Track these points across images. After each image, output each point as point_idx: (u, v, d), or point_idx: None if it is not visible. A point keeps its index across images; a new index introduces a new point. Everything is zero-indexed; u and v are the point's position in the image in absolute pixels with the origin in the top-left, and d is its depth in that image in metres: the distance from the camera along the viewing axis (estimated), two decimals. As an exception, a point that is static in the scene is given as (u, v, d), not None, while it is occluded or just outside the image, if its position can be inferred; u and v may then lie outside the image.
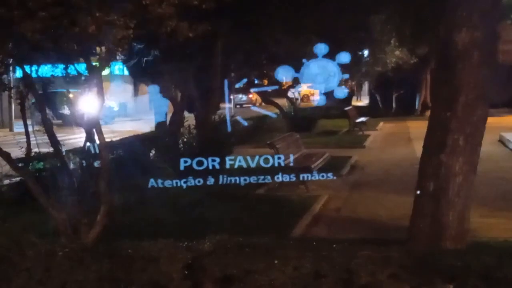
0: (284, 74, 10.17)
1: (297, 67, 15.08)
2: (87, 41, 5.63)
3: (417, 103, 34.02)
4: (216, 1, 5.68)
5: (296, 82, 31.36)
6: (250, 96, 45.64)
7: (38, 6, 5.20)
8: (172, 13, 5.37)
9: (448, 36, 6.49)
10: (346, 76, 11.14)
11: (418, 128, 19.45)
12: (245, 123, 12.91)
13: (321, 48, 9.07)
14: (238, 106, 43.90)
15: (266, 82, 30.52)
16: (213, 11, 6.17)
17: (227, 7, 7.40)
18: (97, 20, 5.24)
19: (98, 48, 6.92)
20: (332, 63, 9.02)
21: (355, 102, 38.97)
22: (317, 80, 9.27)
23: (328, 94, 24.52)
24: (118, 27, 5.32)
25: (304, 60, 9.16)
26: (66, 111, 9.20)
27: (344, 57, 9.09)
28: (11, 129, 28.49)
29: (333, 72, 9.06)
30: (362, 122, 25.41)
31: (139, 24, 5.67)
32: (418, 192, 6.78)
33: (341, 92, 9.62)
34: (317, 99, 12.06)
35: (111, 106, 33.36)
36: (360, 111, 29.08)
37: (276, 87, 25.31)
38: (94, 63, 7.06)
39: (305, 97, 44.23)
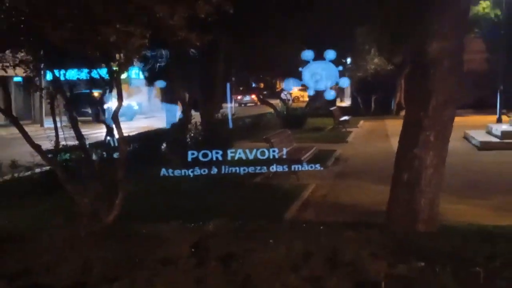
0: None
1: (289, 72, 15.01)
2: (108, 49, 5.60)
3: (392, 104, 33.99)
4: (219, 14, 5.63)
5: (288, 84, 31.38)
6: (253, 96, 45.45)
7: (66, 18, 5.17)
8: (182, 25, 5.34)
9: (421, 46, 6.47)
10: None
11: (394, 126, 19.46)
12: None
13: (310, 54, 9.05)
14: (242, 105, 43.91)
15: (262, 85, 30.53)
16: (217, 23, 6.14)
17: (229, 20, 7.36)
18: (117, 30, 5.22)
19: (117, 55, 6.90)
20: (330, 66, 8.99)
21: (339, 103, 38.86)
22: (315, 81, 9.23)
23: (317, 96, 24.52)
24: (135, 37, 5.30)
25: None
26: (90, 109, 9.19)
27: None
28: (41, 125, 28.45)
29: (328, 75, 9.03)
30: (345, 121, 25.40)
31: (153, 33, 5.64)
32: (395, 181, 6.78)
33: (329, 95, 9.60)
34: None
35: (132, 106, 33.24)
36: (343, 111, 29.05)
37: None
38: (114, 68, 7.05)
39: (296, 98, 44.24)
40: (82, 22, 5.18)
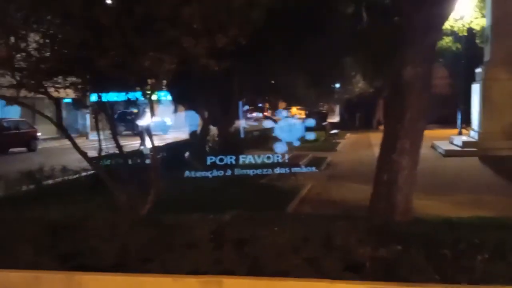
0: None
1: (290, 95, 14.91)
2: (143, 73, 5.61)
3: (373, 120, 33.97)
4: (234, 44, 5.64)
5: (289, 105, 31.42)
6: (266, 113, 45.15)
7: (110, 48, 5.19)
8: (203, 53, 5.36)
9: (398, 70, 6.48)
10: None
11: (374, 137, 19.43)
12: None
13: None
14: (252, 120, 43.54)
15: (267, 105, 30.57)
16: (232, 52, 6.15)
17: (241, 51, 7.38)
18: (151, 57, 5.25)
19: (149, 80, 6.92)
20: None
21: (330, 119, 38.83)
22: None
23: (311, 114, 24.34)
24: (165, 63, 5.32)
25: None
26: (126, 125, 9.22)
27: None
28: (87, 138, 28.52)
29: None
30: (334, 133, 25.41)
31: (180, 60, 5.65)
32: (376, 181, 6.75)
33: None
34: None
35: (166, 122, 32.48)
36: (333, 125, 29.04)
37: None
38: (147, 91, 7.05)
39: (295, 116, 44.22)
40: (123, 51, 5.20)
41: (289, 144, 14.17)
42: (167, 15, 5.04)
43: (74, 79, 7.16)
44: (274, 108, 28.46)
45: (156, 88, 6.90)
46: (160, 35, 5.10)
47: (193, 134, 15.13)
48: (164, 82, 9.29)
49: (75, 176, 10.84)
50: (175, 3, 4.97)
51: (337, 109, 42.87)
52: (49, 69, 6.14)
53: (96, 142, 8.73)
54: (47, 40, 5.98)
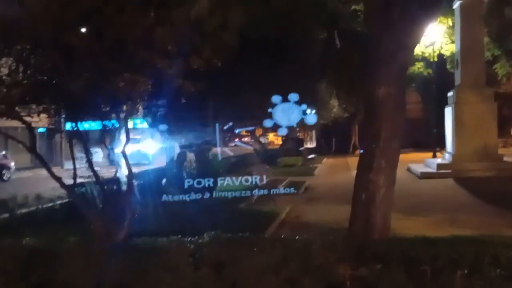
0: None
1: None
2: (117, 95, 5.54)
3: (349, 145, 34.27)
4: (209, 67, 5.64)
5: (265, 131, 31.51)
6: (244, 139, 44.99)
7: (82, 71, 5.13)
8: (178, 74, 5.33)
9: (372, 91, 6.54)
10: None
11: (350, 161, 19.57)
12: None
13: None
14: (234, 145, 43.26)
15: (244, 132, 30.58)
16: (207, 75, 6.15)
17: (216, 73, 7.39)
18: (125, 79, 5.19)
19: (124, 106, 6.83)
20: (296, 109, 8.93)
21: (306, 145, 39.04)
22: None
23: (287, 140, 24.48)
24: (140, 83, 5.27)
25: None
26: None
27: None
28: (62, 167, 27.98)
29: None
30: (311, 158, 25.56)
31: (155, 83, 5.62)
32: (354, 200, 6.73)
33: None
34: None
35: (146, 153, 31.03)
36: (310, 151, 29.22)
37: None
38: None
39: (271, 142, 44.32)
40: (96, 74, 5.14)
41: (266, 169, 14.18)
42: (139, 37, 5.02)
43: (47, 105, 7.03)
44: (252, 135, 28.53)
45: (131, 113, 6.80)
46: (133, 57, 5.07)
47: (170, 160, 15.00)
48: (140, 108, 9.20)
49: (49, 205, 10.57)
50: (148, 25, 4.95)
51: (313, 134, 43.26)
52: (21, 94, 6.01)
53: (71, 171, 8.55)
54: (19, 65, 5.87)
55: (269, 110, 8.67)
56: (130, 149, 7.19)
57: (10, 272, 5.20)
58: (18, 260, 5.42)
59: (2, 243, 6.11)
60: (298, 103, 13.20)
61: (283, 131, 9.33)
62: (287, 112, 8.79)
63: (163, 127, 15.02)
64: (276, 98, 8.41)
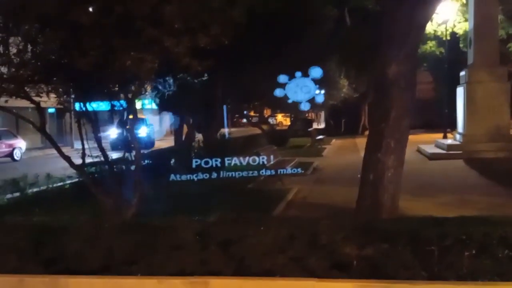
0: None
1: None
2: (125, 72, 5.55)
3: (359, 126, 34.12)
4: (216, 44, 5.62)
5: (274, 112, 31.45)
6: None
7: (91, 47, 5.14)
8: (186, 52, 5.32)
9: (382, 69, 6.52)
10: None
11: (360, 142, 19.49)
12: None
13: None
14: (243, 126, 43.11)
15: (252, 112, 30.54)
16: (215, 53, 6.13)
17: (224, 53, 7.37)
18: (132, 56, 5.20)
19: (132, 86, 6.85)
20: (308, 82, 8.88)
21: (315, 126, 38.93)
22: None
23: (296, 121, 24.43)
24: (147, 62, 5.28)
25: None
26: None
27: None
28: (72, 147, 28.21)
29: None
30: (320, 139, 25.48)
31: (163, 62, 5.62)
32: (362, 181, 6.76)
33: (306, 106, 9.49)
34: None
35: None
36: (319, 131, 29.17)
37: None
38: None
39: (280, 123, 44.27)
40: (103, 50, 5.15)
41: (274, 149, 14.19)
42: (147, 14, 5.01)
43: (56, 84, 7.07)
44: (261, 115, 28.50)
45: (138, 91, 6.83)
46: (141, 34, 5.06)
47: (178, 140, 15.08)
48: (148, 87, 9.22)
49: (59, 184, 10.71)
50: (155, 2, 4.93)
51: (322, 114, 43.15)
52: (29, 73, 6.05)
53: (80, 151, 8.62)
54: (27, 44, 5.90)
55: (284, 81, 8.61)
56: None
57: (22, 249, 5.29)
58: (30, 237, 5.51)
59: (14, 221, 6.23)
60: (314, 80, 13.10)
61: (306, 106, 9.29)
62: (301, 88, 8.74)
63: (170, 108, 15.10)
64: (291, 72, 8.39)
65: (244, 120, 33.98)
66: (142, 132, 21.55)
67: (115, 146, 17.72)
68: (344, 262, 4.70)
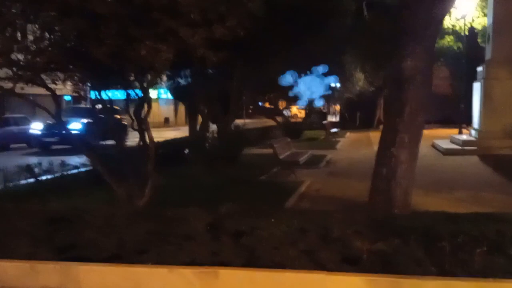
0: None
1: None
2: (140, 63, 5.55)
3: (374, 119, 33.88)
4: (232, 36, 5.59)
5: (288, 104, 31.37)
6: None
7: (107, 37, 5.15)
8: (201, 43, 5.31)
9: (399, 64, 6.44)
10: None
11: (374, 136, 19.35)
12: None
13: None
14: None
15: (267, 104, 30.48)
16: (231, 44, 6.10)
17: (241, 45, 7.34)
18: (148, 47, 5.20)
19: (149, 76, 6.86)
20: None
21: (330, 118, 38.72)
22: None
23: (311, 113, 24.37)
24: (162, 52, 5.27)
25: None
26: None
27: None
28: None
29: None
30: (334, 132, 25.38)
31: (178, 52, 5.60)
32: (375, 175, 6.71)
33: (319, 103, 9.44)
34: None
35: None
36: (334, 124, 29.03)
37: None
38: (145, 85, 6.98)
39: (295, 115, 44.17)
40: (120, 40, 5.15)
41: (288, 142, 14.16)
42: (164, 4, 4.99)
43: (72, 72, 7.11)
44: (275, 107, 28.40)
45: (154, 80, 6.84)
46: (157, 25, 5.05)
47: (192, 131, 15.11)
48: (163, 77, 9.24)
49: (74, 171, 10.79)
50: (173, -8, 4.92)
51: (337, 108, 42.92)
52: (46, 61, 6.09)
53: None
54: (44, 32, 5.93)
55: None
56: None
57: (36, 235, 5.35)
58: (44, 224, 5.58)
59: (28, 208, 6.30)
60: (323, 76, 12.98)
61: (320, 103, 9.24)
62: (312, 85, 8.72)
63: (185, 98, 15.14)
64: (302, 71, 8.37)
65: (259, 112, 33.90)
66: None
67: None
68: (355, 256, 4.68)
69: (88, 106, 17.15)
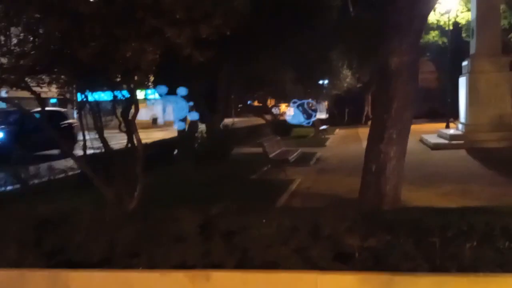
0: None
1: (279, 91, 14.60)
2: (126, 63, 5.48)
3: (362, 115, 33.99)
4: (219, 35, 5.54)
5: (277, 102, 31.33)
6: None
7: (91, 37, 5.08)
8: (187, 43, 5.24)
9: (385, 60, 6.44)
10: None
11: (363, 132, 19.39)
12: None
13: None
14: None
15: (256, 102, 30.42)
16: (218, 44, 6.05)
17: (228, 44, 7.27)
18: (133, 47, 5.13)
19: (135, 77, 6.77)
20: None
21: (318, 115, 38.80)
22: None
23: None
24: (148, 53, 5.21)
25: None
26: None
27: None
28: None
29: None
30: (323, 129, 25.38)
31: (165, 52, 5.54)
32: (365, 171, 6.71)
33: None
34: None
35: None
36: (322, 121, 29.04)
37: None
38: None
39: (284, 113, 44.10)
40: (105, 41, 5.07)
41: (277, 140, 14.13)
42: (149, 4, 4.92)
43: (57, 75, 7.00)
44: (264, 105, 28.34)
45: (140, 82, 6.76)
46: (142, 25, 4.98)
47: (181, 131, 15.00)
48: (151, 78, 9.14)
49: (61, 175, 10.66)
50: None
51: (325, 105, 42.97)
52: (30, 64, 5.98)
53: (82, 141, 8.57)
54: (28, 34, 5.83)
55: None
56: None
57: (24, 240, 5.26)
58: (31, 229, 5.49)
59: (15, 212, 6.19)
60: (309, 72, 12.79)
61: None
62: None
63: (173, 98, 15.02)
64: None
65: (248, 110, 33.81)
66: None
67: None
68: (346, 253, 4.66)
69: (14, 109, 12.43)
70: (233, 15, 5.51)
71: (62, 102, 7.76)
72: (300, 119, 8.47)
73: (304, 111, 8.09)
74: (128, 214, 5.94)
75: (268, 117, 26.48)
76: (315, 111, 27.41)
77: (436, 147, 16.26)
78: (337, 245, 4.71)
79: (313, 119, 9.32)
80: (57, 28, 5.19)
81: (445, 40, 25.11)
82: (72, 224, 5.49)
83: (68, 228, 5.43)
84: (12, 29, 5.95)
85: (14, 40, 5.95)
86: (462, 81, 17.59)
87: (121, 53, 5.16)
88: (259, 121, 26.74)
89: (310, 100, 9.41)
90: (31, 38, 5.86)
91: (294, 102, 8.39)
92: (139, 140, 6.79)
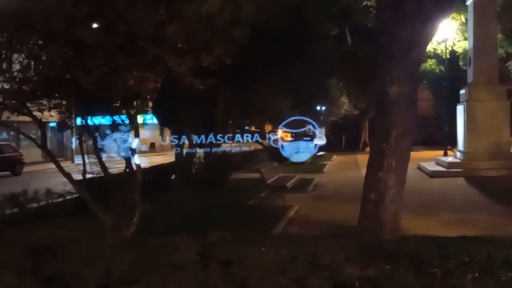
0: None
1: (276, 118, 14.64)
2: (127, 91, 5.53)
3: (359, 142, 34.09)
4: (219, 64, 5.61)
5: (274, 127, 31.41)
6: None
7: (94, 66, 5.14)
8: (188, 72, 5.31)
9: (384, 89, 6.48)
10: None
11: (360, 159, 19.48)
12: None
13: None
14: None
15: (253, 128, 30.48)
16: (217, 73, 6.12)
17: (227, 72, 7.36)
18: (135, 76, 5.19)
19: (134, 102, 6.83)
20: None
21: (316, 141, 38.86)
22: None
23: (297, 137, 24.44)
24: (149, 81, 5.27)
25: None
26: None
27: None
28: (72, 161, 28.09)
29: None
30: (321, 155, 25.41)
31: (165, 80, 5.61)
32: (364, 200, 6.70)
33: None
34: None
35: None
36: (320, 147, 29.10)
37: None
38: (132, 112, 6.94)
39: (281, 138, 44.17)
40: (107, 69, 5.14)
41: (275, 166, 14.13)
42: (151, 33, 5.00)
43: (58, 101, 7.05)
44: (261, 131, 28.40)
45: (141, 109, 6.82)
46: (143, 54, 5.05)
47: (179, 156, 15.05)
48: (150, 104, 9.21)
49: (60, 200, 10.61)
50: (158, 22, 4.93)
51: (322, 130, 43.07)
52: (32, 89, 6.04)
53: (81, 166, 8.56)
54: (30, 61, 5.90)
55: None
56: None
57: (21, 266, 5.22)
58: (29, 254, 5.45)
59: (13, 237, 6.17)
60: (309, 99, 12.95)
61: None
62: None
63: (171, 124, 15.08)
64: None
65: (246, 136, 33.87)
66: None
67: None
68: (346, 283, 4.64)
69: None
70: (233, 45, 5.59)
71: (61, 126, 7.75)
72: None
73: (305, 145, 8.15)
74: (125, 241, 5.92)
75: (265, 142, 26.52)
76: (312, 137, 27.45)
77: (434, 174, 16.27)
78: (336, 274, 4.70)
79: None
80: (59, 55, 5.26)
81: (442, 68, 25.35)
82: (69, 251, 5.48)
83: (66, 255, 5.41)
84: (15, 55, 6.03)
85: (17, 66, 6.01)
86: (460, 109, 17.72)
87: (123, 81, 5.22)
88: (257, 146, 26.75)
89: (309, 126, 9.47)
90: (34, 65, 5.92)
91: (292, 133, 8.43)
92: (138, 166, 6.81)
